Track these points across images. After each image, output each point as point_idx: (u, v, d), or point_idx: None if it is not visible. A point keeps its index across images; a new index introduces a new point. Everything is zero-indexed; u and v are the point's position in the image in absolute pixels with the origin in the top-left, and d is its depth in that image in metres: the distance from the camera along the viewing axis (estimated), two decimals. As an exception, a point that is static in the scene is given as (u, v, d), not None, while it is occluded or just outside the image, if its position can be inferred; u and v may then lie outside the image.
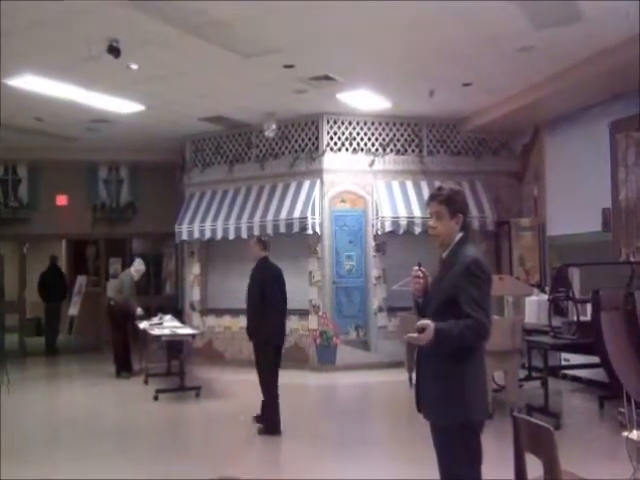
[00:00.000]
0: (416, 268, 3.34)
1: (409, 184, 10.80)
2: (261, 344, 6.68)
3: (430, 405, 3.21)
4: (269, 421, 6.63)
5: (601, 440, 6.21)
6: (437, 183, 10.44)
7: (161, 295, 14.37)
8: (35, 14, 6.16)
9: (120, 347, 10.08)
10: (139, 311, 10.02)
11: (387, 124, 10.90)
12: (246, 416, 7.12)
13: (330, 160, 10.62)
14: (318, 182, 10.56)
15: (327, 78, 8.54)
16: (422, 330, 2.99)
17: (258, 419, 6.86)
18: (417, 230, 10.29)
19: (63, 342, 13.75)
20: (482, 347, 3.19)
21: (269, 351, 6.63)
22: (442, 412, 3.15)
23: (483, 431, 3.17)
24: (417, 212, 10.38)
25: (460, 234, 3.25)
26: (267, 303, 6.60)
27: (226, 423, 7.29)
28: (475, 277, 3.07)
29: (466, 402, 3.09)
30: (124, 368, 10.05)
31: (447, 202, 3.24)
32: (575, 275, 8.47)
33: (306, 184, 10.62)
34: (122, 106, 9.55)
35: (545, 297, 8.13)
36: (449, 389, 3.11)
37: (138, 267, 10.47)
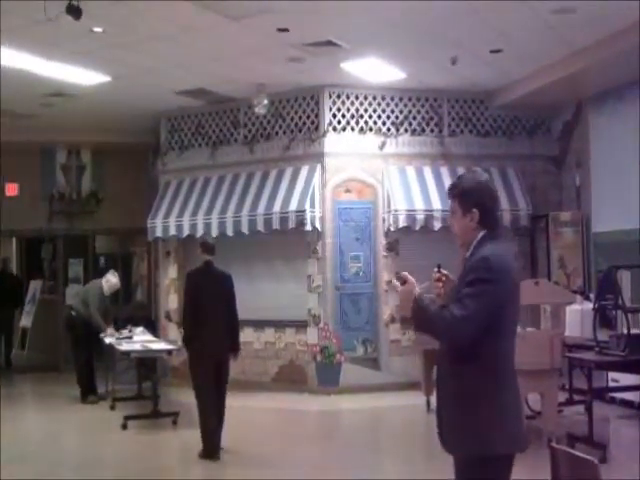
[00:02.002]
0: (435, 270, 3.37)
1: (427, 170, 10.81)
2: (194, 357, 7.17)
3: (445, 432, 3.23)
4: (204, 444, 6.96)
5: (656, 476, 6.22)
6: (460, 169, 10.51)
7: (131, 303, 14.40)
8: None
9: (83, 366, 10.06)
10: (109, 331, 9.83)
11: (401, 99, 10.91)
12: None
13: (333, 142, 10.64)
14: (318, 168, 10.58)
15: (329, 44, 8.54)
16: (404, 282, 3.14)
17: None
18: (437, 225, 10.31)
19: (15, 358, 13.77)
20: (509, 362, 3.20)
21: (202, 366, 7.04)
22: (457, 441, 3.16)
23: (513, 465, 3.17)
24: (437, 204, 10.40)
25: (483, 232, 3.26)
26: (201, 313, 7.03)
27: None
28: (474, 276, 3.10)
29: (482, 430, 3.08)
30: (89, 391, 10.05)
31: (459, 196, 3.29)
32: (625, 279, 8.47)
33: (304, 170, 10.63)
34: (84, 77, 9.55)
35: (589, 306, 8.14)
36: (465, 413, 3.12)
37: (110, 278, 10.23)
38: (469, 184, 3.29)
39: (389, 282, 10.57)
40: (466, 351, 3.09)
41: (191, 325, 7.11)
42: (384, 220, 10.60)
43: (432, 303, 3.15)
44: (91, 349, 10.15)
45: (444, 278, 3.36)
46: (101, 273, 12.67)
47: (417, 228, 10.40)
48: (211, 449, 6.95)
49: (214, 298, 7.14)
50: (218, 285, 7.26)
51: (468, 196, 3.26)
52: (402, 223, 10.36)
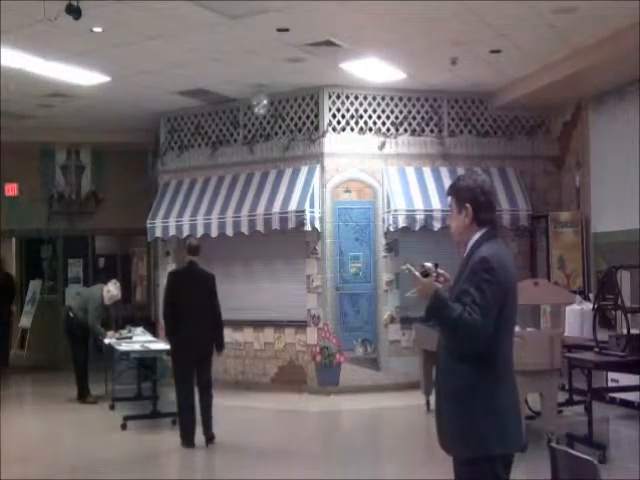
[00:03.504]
0: (433, 270, 3.36)
1: (427, 171, 10.81)
2: (173, 352, 7.71)
3: (444, 432, 3.24)
4: (180, 430, 7.49)
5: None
6: (460, 169, 10.51)
7: (130, 304, 14.40)
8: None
9: (80, 366, 10.05)
10: (111, 334, 9.75)
11: (400, 99, 10.90)
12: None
13: (332, 142, 10.63)
14: (318, 168, 10.58)
15: (329, 44, 8.54)
16: (426, 275, 3.18)
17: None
18: (436, 226, 10.31)
19: (13, 358, 13.76)
20: (508, 361, 3.21)
21: (181, 361, 7.54)
22: (456, 441, 3.17)
23: (513, 465, 3.17)
24: (436, 204, 10.39)
25: (481, 231, 3.27)
26: (180, 310, 7.46)
27: (208, 456, 7.30)
28: (479, 278, 3.10)
29: (481, 430, 3.09)
30: (86, 391, 10.04)
31: (455, 194, 3.34)
32: (625, 280, 8.46)
33: (304, 171, 10.63)
34: (83, 77, 9.55)
35: (589, 306, 8.13)
36: (463, 413, 3.12)
37: (111, 289, 9.97)
38: (465, 182, 3.34)
39: (389, 283, 10.60)
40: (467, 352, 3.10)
41: (171, 322, 7.57)
42: (384, 220, 10.60)
43: (450, 302, 3.13)
44: (87, 351, 10.14)
45: (442, 278, 3.37)
46: (100, 274, 12.71)
47: (417, 228, 10.39)
48: (185, 436, 7.41)
49: (195, 297, 7.51)
50: (199, 284, 7.59)
51: (463, 192, 3.30)
52: (402, 223, 10.35)
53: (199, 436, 7.44)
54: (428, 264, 3.22)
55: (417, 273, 3.20)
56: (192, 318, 7.40)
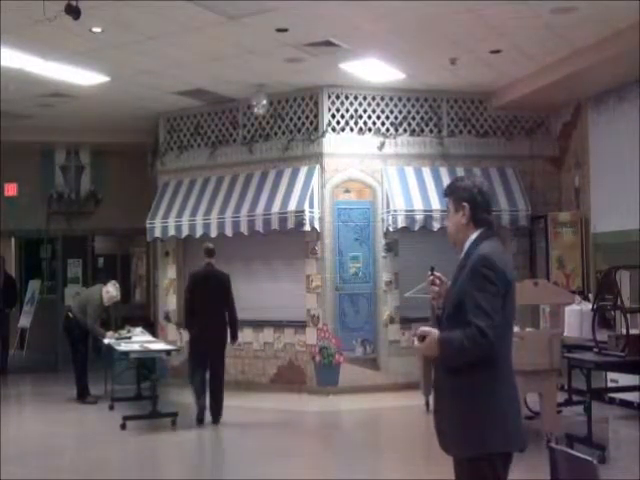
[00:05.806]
0: (429, 273, 3.39)
1: (426, 171, 10.81)
2: (190, 344, 8.72)
3: (444, 431, 3.25)
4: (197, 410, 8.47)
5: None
6: (459, 169, 10.53)
7: (129, 304, 14.39)
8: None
9: (80, 367, 10.05)
10: (110, 335, 9.73)
11: (400, 99, 10.91)
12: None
13: (332, 142, 10.64)
14: (317, 168, 10.58)
15: (328, 44, 8.55)
16: (423, 338, 3.13)
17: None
18: (435, 226, 10.31)
19: (12, 359, 13.76)
20: (507, 361, 3.21)
21: (196, 352, 8.50)
22: (455, 440, 3.18)
23: (510, 465, 3.17)
24: (435, 204, 10.39)
25: (478, 231, 3.28)
26: (197, 307, 8.43)
27: (208, 457, 7.30)
28: (481, 277, 3.10)
29: (480, 429, 3.10)
30: (86, 391, 10.05)
31: (453, 194, 3.36)
32: (624, 280, 8.47)
33: (303, 171, 10.63)
34: (83, 77, 9.56)
35: (588, 306, 8.14)
36: (462, 412, 3.14)
37: (110, 290, 9.96)
38: (462, 182, 3.38)
39: (389, 283, 10.60)
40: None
41: (189, 317, 8.54)
42: (383, 220, 10.60)
43: (450, 333, 3.11)
44: (87, 351, 10.14)
45: (438, 281, 3.37)
46: (100, 274, 12.70)
47: (416, 228, 10.40)
48: (199, 415, 8.38)
49: (211, 295, 8.41)
50: (215, 284, 8.49)
51: (460, 192, 3.33)
52: (401, 223, 10.35)
53: (207, 417, 8.37)
54: (424, 328, 3.18)
55: (417, 343, 3.19)
56: (207, 314, 8.34)
